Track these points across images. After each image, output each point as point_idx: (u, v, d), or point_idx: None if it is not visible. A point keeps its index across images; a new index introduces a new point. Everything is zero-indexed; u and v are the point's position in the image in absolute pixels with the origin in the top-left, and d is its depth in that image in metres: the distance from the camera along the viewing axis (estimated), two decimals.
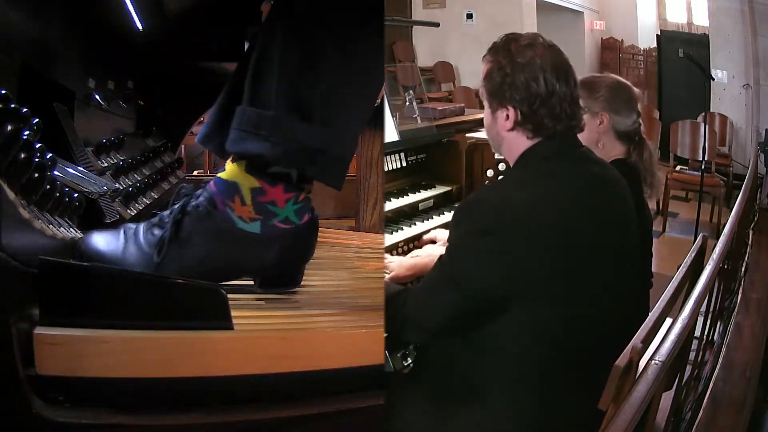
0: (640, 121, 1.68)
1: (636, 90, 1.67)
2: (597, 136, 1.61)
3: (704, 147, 4.07)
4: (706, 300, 1.51)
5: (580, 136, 1.20)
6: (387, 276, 1.48)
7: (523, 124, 1.15)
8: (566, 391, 1.13)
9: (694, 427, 1.47)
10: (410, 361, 1.49)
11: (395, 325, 1.19)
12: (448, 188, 2.15)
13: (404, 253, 1.77)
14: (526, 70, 1.13)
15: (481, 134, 2.36)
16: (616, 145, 1.64)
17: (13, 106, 0.90)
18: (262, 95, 1.13)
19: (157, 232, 1.13)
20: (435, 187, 2.13)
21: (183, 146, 3.04)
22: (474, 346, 1.16)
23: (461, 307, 1.13)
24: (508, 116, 1.16)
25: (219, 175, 1.17)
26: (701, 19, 6.20)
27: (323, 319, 1.22)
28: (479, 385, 1.16)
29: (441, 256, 1.18)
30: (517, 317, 1.10)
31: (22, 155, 0.90)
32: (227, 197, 1.15)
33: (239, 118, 1.14)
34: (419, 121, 2.23)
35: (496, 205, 1.11)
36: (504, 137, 1.19)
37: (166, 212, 1.16)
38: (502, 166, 2.17)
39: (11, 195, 0.84)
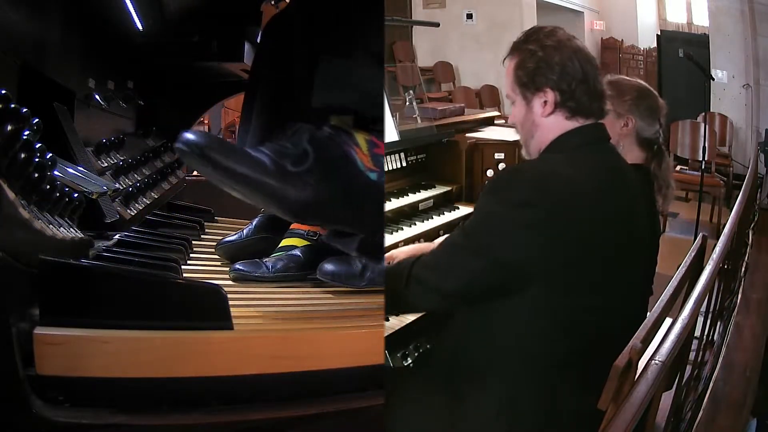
0: (661, 132, 1.68)
1: (661, 100, 1.68)
2: (618, 138, 1.61)
3: (704, 147, 4.07)
4: (706, 300, 1.51)
5: None
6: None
7: (563, 104, 1.16)
8: (572, 383, 1.12)
9: (694, 427, 1.47)
10: (410, 361, 1.49)
11: (399, 284, 1.16)
12: (448, 188, 2.15)
13: None
14: (558, 52, 1.15)
15: (481, 134, 2.36)
16: (636, 151, 1.64)
17: (13, 106, 0.90)
18: None
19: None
20: (435, 187, 2.13)
21: None
22: (484, 328, 1.15)
23: (485, 277, 1.10)
24: (546, 101, 1.16)
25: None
26: (701, 19, 6.20)
27: (323, 319, 1.22)
28: (485, 371, 1.15)
29: (464, 223, 1.15)
30: (533, 298, 1.08)
31: (22, 155, 0.90)
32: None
33: None
34: (419, 121, 2.23)
35: (538, 178, 1.10)
36: (539, 125, 1.18)
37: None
38: (502, 166, 2.17)
39: (11, 195, 0.84)
